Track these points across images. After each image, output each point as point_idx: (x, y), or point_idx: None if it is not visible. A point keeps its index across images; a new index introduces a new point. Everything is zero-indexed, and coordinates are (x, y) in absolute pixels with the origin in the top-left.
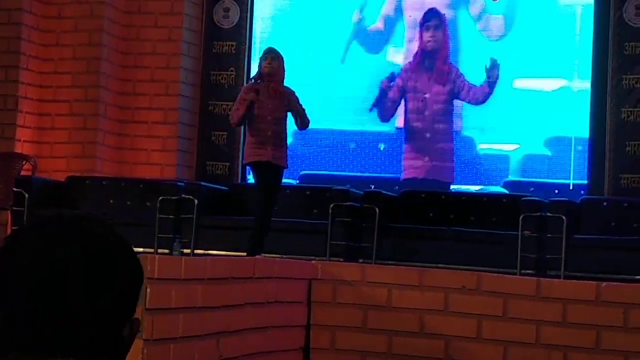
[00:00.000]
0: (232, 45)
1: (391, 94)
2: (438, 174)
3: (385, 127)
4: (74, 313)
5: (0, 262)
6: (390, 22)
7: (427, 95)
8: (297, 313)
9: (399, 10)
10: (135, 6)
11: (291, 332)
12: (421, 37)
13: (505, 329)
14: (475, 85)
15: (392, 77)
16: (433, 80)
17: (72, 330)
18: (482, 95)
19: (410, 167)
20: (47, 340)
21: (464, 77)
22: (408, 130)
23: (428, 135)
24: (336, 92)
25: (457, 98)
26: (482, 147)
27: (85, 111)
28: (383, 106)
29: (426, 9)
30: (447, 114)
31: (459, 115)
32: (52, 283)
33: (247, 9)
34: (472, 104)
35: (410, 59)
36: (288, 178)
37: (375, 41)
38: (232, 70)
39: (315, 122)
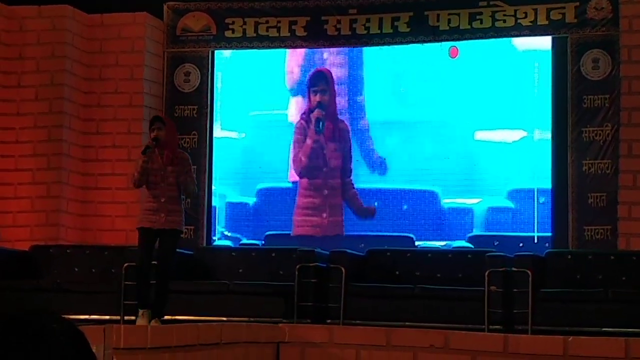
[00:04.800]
0: (194, 109)
1: (299, 149)
2: (332, 229)
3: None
4: None
5: None
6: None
7: (324, 152)
8: None
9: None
10: (95, 73)
11: None
12: (309, 98)
13: None
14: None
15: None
16: (325, 138)
17: None
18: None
19: (305, 223)
20: None
21: (350, 141)
22: (303, 186)
23: (325, 191)
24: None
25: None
26: (446, 201)
27: (47, 179)
28: (299, 160)
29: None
30: (341, 169)
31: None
32: None
33: (208, 72)
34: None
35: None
36: (253, 239)
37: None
38: (194, 134)
39: (279, 180)
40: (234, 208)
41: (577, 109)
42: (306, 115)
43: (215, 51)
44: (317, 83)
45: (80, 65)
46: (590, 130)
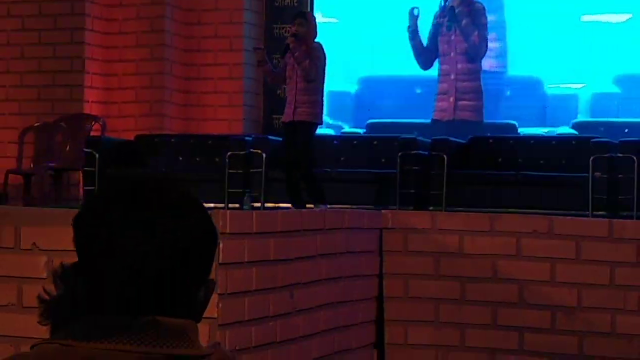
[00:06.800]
0: None
1: (427, 43)
2: (461, 114)
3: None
4: (151, 275)
5: (77, 226)
6: None
7: (452, 37)
8: (369, 263)
9: None
10: None
11: (364, 282)
12: None
13: (579, 272)
14: (481, 33)
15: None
16: (459, 21)
17: (150, 291)
18: (474, 44)
19: (437, 108)
20: (124, 301)
21: (484, 19)
22: (438, 72)
23: (452, 76)
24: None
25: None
26: (550, 87)
27: (151, 70)
28: (421, 54)
29: None
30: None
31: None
32: (131, 246)
33: None
34: (470, 52)
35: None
36: (355, 127)
37: None
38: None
39: (378, 69)
40: (336, 96)
41: None
42: (445, 3)
43: None
44: None
45: None
46: None
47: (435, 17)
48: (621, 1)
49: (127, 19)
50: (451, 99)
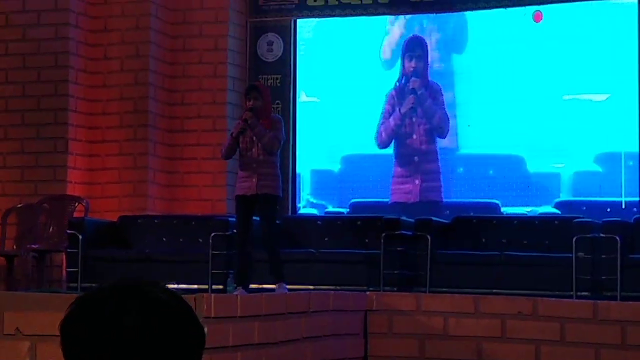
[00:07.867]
0: (277, 79)
1: (385, 122)
2: (427, 195)
3: None
4: None
5: (66, 330)
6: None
7: (414, 119)
8: (354, 345)
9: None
10: (179, 44)
11: None
12: (403, 64)
13: (564, 354)
14: (442, 112)
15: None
16: (422, 103)
17: None
18: (439, 123)
19: (399, 190)
20: None
21: (442, 98)
22: (396, 155)
23: (416, 158)
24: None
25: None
26: (532, 166)
27: (134, 150)
28: (380, 134)
29: None
30: (431, 134)
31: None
32: (118, 351)
33: (291, 41)
34: (435, 132)
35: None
36: (339, 207)
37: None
38: (278, 103)
39: (361, 148)
40: (319, 175)
41: None
42: (400, 83)
43: (298, 20)
44: (413, 48)
45: (164, 36)
46: None
47: (391, 97)
48: (600, 81)
49: (111, 99)
50: (417, 181)
